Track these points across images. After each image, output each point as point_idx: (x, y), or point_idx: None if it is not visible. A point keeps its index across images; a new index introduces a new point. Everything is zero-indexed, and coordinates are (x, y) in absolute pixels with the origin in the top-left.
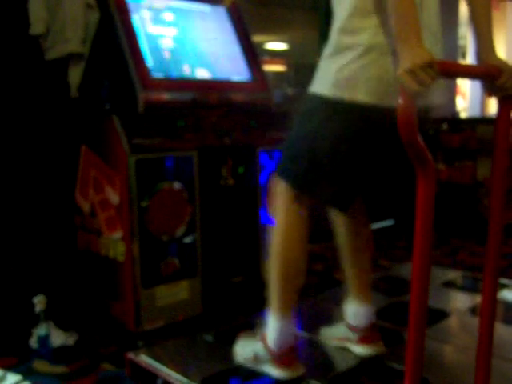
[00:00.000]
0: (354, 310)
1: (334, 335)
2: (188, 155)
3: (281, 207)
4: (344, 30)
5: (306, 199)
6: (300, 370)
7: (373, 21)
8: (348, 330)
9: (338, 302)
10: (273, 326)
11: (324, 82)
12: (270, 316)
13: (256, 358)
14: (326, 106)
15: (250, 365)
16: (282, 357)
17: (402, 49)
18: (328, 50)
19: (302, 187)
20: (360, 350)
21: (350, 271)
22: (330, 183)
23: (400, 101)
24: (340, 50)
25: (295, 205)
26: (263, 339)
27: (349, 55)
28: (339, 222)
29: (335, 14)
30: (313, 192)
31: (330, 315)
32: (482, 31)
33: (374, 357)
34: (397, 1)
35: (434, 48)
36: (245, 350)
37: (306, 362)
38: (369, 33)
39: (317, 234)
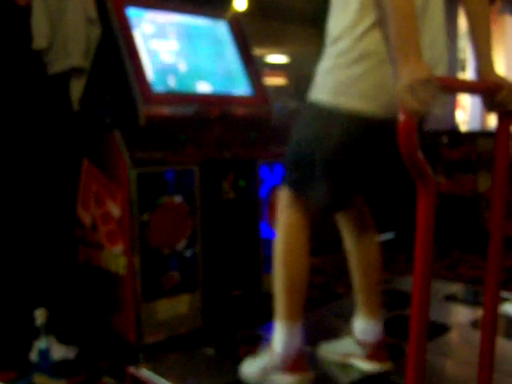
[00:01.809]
0: (363, 325)
1: (337, 351)
2: (189, 169)
3: (282, 215)
4: (344, 38)
5: (306, 205)
6: (310, 376)
7: (375, 28)
8: (356, 345)
9: (339, 315)
10: (280, 336)
11: (322, 90)
12: (277, 326)
13: (265, 371)
14: (324, 114)
15: (258, 380)
16: (291, 363)
17: (401, 64)
18: (326, 57)
19: (300, 191)
20: (367, 366)
21: (359, 285)
22: (327, 189)
23: (400, 117)
24: (338, 58)
25: (297, 213)
26: (270, 350)
27: (347, 62)
28: (349, 235)
29: (333, 19)
30: (310, 197)
31: (331, 329)
32: (481, 47)
33: (376, 371)
34: (397, 16)
35: (439, 66)
36: (251, 366)
37: None
38: (369, 40)
39: (317, 246)
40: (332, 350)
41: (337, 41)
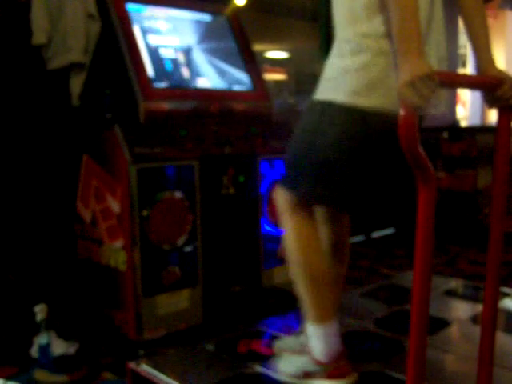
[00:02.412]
0: None
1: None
2: (189, 164)
3: (289, 217)
4: (363, 34)
5: (313, 206)
6: (354, 377)
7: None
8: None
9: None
10: (317, 337)
11: (340, 89)
12: (311, 327)
13: (306, 375)
14: (343, 114)
15: (299, 381)
16: (334, 368)
17: (403, 61)
18: (341, 55)
19: (313, 198)
20: None
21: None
22: (342, 189)
23: (401, 112)
24: (356, 54)
25: (303, 211)
26: (309, 353)
27: (366, 59)
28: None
29: (344, 15)
30: (325, 201)
31: None
32: (479, 43)
33: (375, 367)
34: (399, 14)
35: (443, 63)
36: (291, 365)
37: None
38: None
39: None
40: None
41: (349, 40)
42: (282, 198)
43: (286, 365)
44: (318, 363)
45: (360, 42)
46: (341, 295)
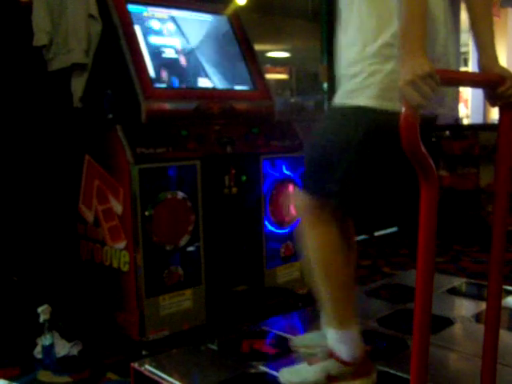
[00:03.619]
0: None
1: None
2: (191, 164)
3: (311, 223)
4: (387, 42)
5: (335, 210)
6: (376, 373)
7: None
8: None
9: None
10: (344, 342)
11: (366, 93)
12: (336, 333)
13: (331, 379)
14: (369, 119)
15: None
16: (360, 368)
17: (405, 59)
18: (363, 59)
19: (340, 201)
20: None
21: None
22: (364, 192)
23: (402, 111)
24: (383, 57)
25: (327, 218)
26: (334, 356)
27: (390, 66)
28: None
29: (369, 21)
30: (350, 205)
31: None
32: (483, 40)
33: (378, 365)
34: (405, 14)
35: (451, 61)
36: (295, 376)
37: None
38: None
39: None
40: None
41: (366, 46)
42: (305, 204)
43: (290, 376)
44: (347, 364)
45: (384, 48)
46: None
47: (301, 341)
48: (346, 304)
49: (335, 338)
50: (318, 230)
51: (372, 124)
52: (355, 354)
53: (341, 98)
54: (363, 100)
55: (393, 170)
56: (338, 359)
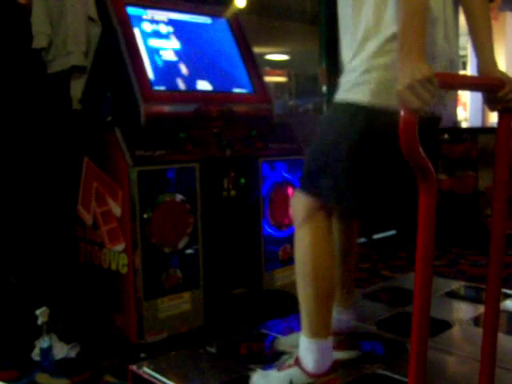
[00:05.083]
0: (337, 315)
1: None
2: (190, 167)
3: (306, 224)
4: (387, 37)
5: (331, 211)
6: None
7: None
8: None
9: None
10: (311, 351)
11: (362, 90)
12: (305, 340)
13: None
14: (365, 115)
15: None
16: (323, 382)
17: (403, 63)
18: (363, 56)
19: (335, 200)
20: (335, 355)
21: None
22: (364, 193)
23: (401, 114)
24: (379, 55)
25: (320, 218)
26: (300, 364)
27: (389, 59)
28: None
29: (367, 17)
30: (347, 204)
31: None
32: (482, 44)
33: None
34: (403, 17)
35: (454, 63)
36: (269, 379)
37: None
38: None
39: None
40: (291, 344)
41: (366, 41)
42: (300, 203)
43: (259, 380)
44: (310, 375)
45: (384, 43)
46: (352, 298)
47: (285, 341)
48: (321, 313)
49: (303, 346)
50: (309, 230)
51: (368, 121)
52: (321, 366)
53: (340, 94)
54: (360, 95)
55: (391, 172)
56: (302, 369)
